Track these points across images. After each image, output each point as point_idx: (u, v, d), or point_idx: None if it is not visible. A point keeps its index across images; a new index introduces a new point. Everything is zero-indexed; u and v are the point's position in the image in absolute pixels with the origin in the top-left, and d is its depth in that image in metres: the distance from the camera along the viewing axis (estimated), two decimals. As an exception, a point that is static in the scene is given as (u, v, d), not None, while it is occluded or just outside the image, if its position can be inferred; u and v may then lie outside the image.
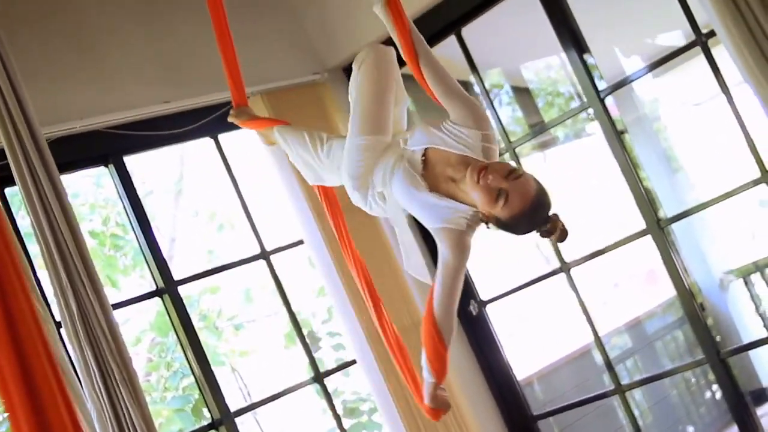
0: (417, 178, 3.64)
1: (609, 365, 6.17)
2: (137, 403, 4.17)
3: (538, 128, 8.59)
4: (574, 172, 9.87)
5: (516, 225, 3.44)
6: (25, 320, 2.74)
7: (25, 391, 2.69)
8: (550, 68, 9.11)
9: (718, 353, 5.66)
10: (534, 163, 9.76)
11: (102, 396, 4.14)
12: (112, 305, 4.72)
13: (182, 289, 5.76)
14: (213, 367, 5.71)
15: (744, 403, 5.79)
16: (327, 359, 8.54)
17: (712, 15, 4.80)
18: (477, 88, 6.27)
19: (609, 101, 5.91)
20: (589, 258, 6.13)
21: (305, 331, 8.61)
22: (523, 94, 8.56)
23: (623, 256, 7.30)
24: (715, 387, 8.46)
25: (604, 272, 8.89)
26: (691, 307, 5.70)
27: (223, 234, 9.71)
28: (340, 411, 8.34)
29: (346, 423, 8.48)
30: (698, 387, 8.29)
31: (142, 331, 9.06)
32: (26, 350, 2.72)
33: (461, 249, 3.60)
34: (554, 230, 3.44)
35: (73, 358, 4.24)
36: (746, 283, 8.63)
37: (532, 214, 3.40)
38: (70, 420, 2.80)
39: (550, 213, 3.45)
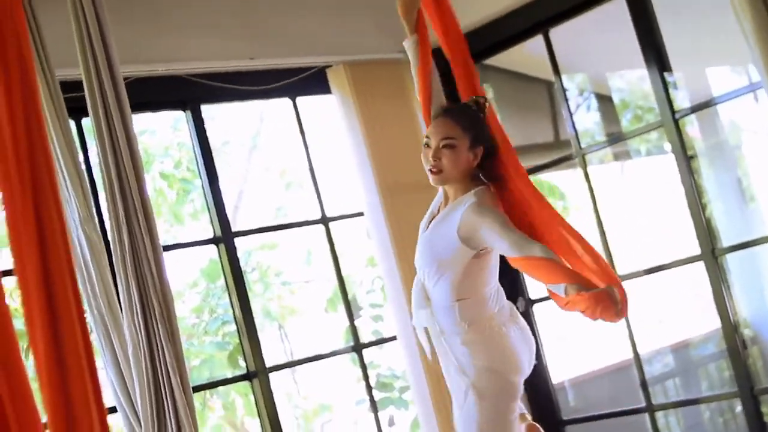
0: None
1: (644, 382, 6.20)
2: (172, 341, 4.31)
3: (612, 138, 8.60)
4: (647, 187, 9.84)
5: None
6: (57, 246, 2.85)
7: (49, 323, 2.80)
8: (643, 80, 9.09)
9: (752, 389, 5.67)
10: (610, 173, 9.75)
11: (140, 330, 4.28)
12: (169, 246, 4.87)
13: (241, 241, 5.88)
14: (260, 321, 5.85)
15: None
16: (364, 328, 8.65)
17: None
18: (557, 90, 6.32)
19: (690, 122, 5.90)
20: (642, 274, 6.15)
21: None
22: (605, 102, 8.55)
23: (679, 278, 7.32)
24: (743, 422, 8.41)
25: (660, 291, 8.85)
26: (732, 339, 5.70)
27: (291, 192, 9.84)
28: (373, 383, 8.47)
29: (377, 395, 8.59)
30: (733, 419, 8.25)
31: (199, 275, 9.26)
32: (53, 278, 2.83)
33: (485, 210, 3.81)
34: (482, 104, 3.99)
35: (119, 290, 4.39)
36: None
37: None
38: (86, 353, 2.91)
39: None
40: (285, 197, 9.94)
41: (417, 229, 5.70)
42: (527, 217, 3.93)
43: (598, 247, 6.12)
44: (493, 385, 3.89)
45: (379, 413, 6.34)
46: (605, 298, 3.43)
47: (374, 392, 8.41)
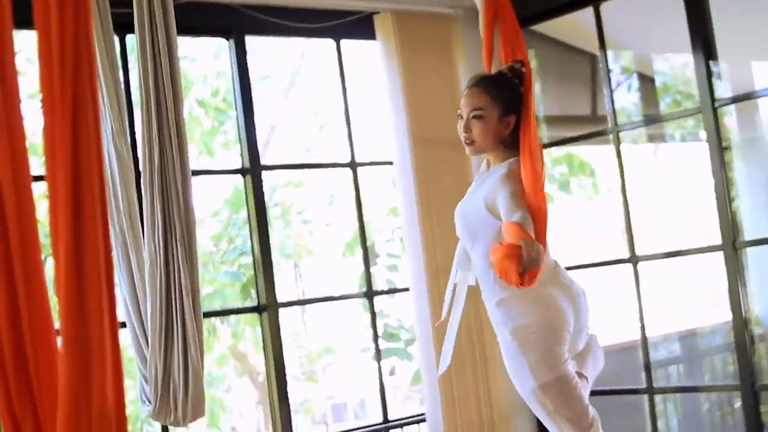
0: None
1: (648, 365, 6.23)
2: (190, 264, 4.36)
3: (649, 119, 8.59)
4: (678, 173, 9.83)
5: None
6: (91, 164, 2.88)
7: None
8: (686, 66, 9.05)
9: (753, 384, 5.70)
10: (643, 154, 9.74)
11: (159, 249, 4.34)
12: (197, 171, 4.91)
13: (268, 176, 5.92)
14: (276, 257, 5.90)
15: (762, 437, 5.82)
16: (379, 277, 8.69)
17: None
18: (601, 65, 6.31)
19: (729, 113, 5.88)
20: (660, 257, 6.18)
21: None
22: (646, 82, 8.51)
23: (698, 266, 7.32)
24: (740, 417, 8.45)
25: (677, 277, 8.86)
26: (741, 333, 5.73)
27: (323, 134, 9.88)
28: (380, 332, 8.53)
29: (383, 344, 8.66)
30: (731, 413, 8.28)
31: (223, 205, 9.33)
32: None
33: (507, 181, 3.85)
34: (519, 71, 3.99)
35: (143, 208, 4.43)
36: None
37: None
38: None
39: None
40: (316, 138, 9.97)
41: (442, 183, 5.75)
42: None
43: (621, 226, 6.20)
44: (533, 339, 3.95)
45: (382, 362, 6.40)
46: (515, 254, 3.45)
47: (380, 341, 8.50)
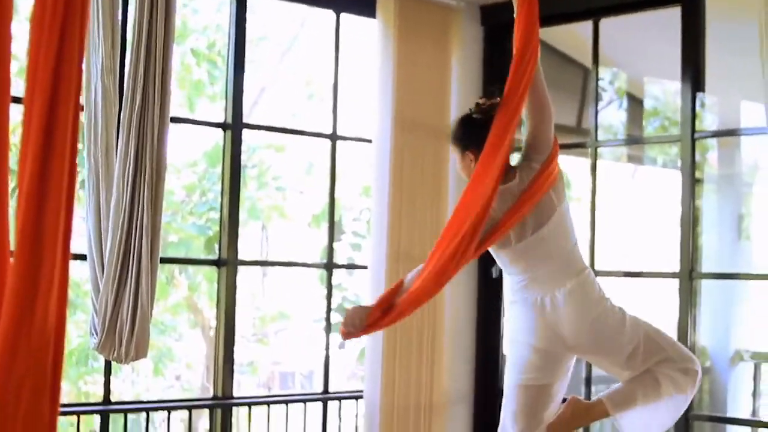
0: None
1: (588, 379, 6.33)
2: (154, 207, 4.41)
3: (628, 140, 8.71)
4: (653, 197, 9.90)
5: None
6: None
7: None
8: (678, 94, 9.12)
9: (687, 413, 5.78)
10: (622, 173, 9.80)
11: (127, 187, 4.38)
12: (179, 118, 4.95)
13: (250, 135, 5.95)
14: (245, 217, 5.92)
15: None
16: (341, 252, 8.74)
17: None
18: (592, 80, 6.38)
19: (712, 148, 5.96)
20: (617, 275, 6.28)
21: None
22: (635, 104, 8.58)
23: (657, 291, 7.41)
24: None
25: (636, 299, 8.91)
26: (684, 362, 5.80)
27: (311, 103, 9.91)
28: (335, 305, 8.60)
29: (336, 318, 8.71)
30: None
31: (201, 157, 9.34)
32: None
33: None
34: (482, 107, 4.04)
35: (119, 144, 4.47)
36: (756, 368, 8.65)
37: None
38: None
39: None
40: (304, 106, 10.00)
41: (418, 169, 5.81)
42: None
43: (585, 240, 6.28)
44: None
45: (332, 335, 6.46)
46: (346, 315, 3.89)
47: (334, 314, 8.55)
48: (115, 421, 6.61)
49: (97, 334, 4.43)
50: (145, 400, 8.86)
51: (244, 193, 8.95)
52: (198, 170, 9.22)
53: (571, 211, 4.14)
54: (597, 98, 6.41)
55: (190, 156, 9.41)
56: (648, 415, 4.11)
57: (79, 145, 3.43)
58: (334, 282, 6.68)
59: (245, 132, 5.99)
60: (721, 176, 8.72)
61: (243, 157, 8.55)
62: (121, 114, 4.51)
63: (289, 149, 9.52)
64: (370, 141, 6.33)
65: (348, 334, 3.90)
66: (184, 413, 6.27)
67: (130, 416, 7.16)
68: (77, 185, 3.26)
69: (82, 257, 4.59)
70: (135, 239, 4.38)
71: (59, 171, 2.94)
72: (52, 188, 2.92)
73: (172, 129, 4.69)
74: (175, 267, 8.92)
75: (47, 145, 2.93)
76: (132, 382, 10.35)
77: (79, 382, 9.39)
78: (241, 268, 5.86)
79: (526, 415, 4.07)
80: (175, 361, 10.10)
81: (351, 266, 6.92)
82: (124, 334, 4.37)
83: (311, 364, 10.85)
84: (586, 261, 6.17)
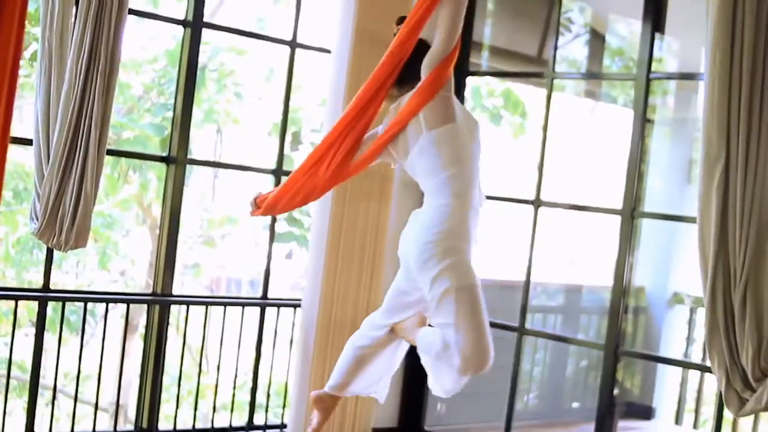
0: None
1: (524, 307, 6.43)
2: (105, 97, 4.40)
3: (586, 74, 8.77)
4: (608, 135, 9.98)
5: None
6: None
7: None
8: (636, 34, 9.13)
9: (617, 347, 5.91)
10: (581, 108, 9.86)
11: (80, 75, 4.36)
12: (139, 11, 4.93)
13: (211, 35, 5.87)
14: (200, 118, 5.90)
15: (611, 404, 6.04)
16: (297, 161, 8.73)
17: None
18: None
19: (671, 92, 5.98)
20: (562, 206, 6.36)
21: (292, 129, 8.83)
22: (598, 39, 8.60)
23: (601, 226, 7.51)
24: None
25: (582, 234, 9.02)
26: (618, 299, 5.90)
27: (276, 9, 9.81)
28: (284, 215, 8.62)
29: (285, 227, 8.75)
30: (594, 371, 8.55)
31: (162, 54, 9.24)
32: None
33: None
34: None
35: (74, 31, 4.44)
36: (692, 313, 8.82)
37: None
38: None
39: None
40: (269, 11, 9.90)
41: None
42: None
43: (533, 169, 6.35)
44: None
45: (281, 246, 6.51)
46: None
47: (282, 223, 8.59)
48: (56, 310, 6.66)
49: (38, 219, 4.44)
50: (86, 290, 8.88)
51: (203, 94, 8.92)
52: (157, 67, 9.14)
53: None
54: (558, 30, 6.43)
55: (151, 53, 9.32)
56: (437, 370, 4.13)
57: (34, 28, 3.42)
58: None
59: (209, 33, 5.94)
60: (676, 120, 8.81)
61: (204, 57, 8.53)
62: (79, 1, 4.47)
63: (252, 54, 9.44)
64: (329, 51, 6.33)
65: (251, 213, 4.20)
66: (125, 308, 6.29)
67: (70, 307, 7.18)
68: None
69: (29, 141, 4.59)
70: (83, 128, 4.37)
71: (3, 53, 2.94)
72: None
73: (134, 22, 4.68)
74: (129, 166, 8.86)
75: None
76: (76, 274, 10.37)
77: (23, 272, 9.41)
78: (192, 169, 5.87)
79: (384, 311, 4.27)
80: (121, 256, 10.12)
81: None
82: (65, 222, 4.39)
83: (257, 271, 10.91)
84: (532, 191, 6.30)
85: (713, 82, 3.16)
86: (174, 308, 6.18)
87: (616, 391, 6.68)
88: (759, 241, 2.96)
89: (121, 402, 5.98)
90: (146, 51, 9.26)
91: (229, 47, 9.17)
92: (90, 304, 7.52)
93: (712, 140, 2.97)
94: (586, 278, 9.23)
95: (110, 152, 4.99)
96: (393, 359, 4.44)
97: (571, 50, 8.82)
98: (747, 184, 2.96)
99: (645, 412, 8.63)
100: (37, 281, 9.06)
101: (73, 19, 4.50)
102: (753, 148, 2.94)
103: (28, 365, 5.72)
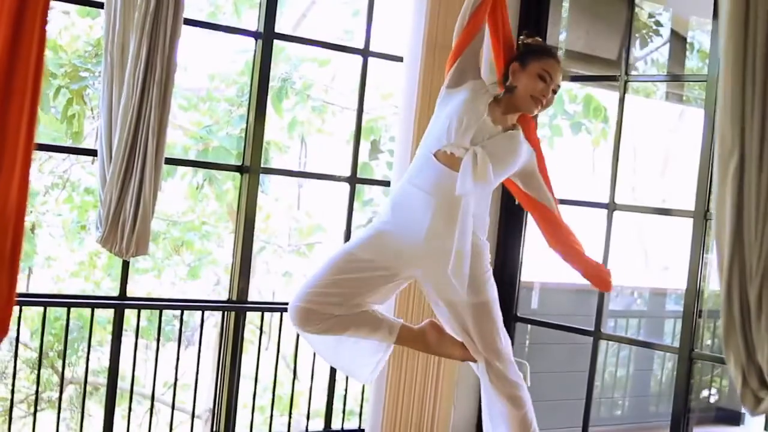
0: None
1: (600, 310, 6.39)
2: (161, 106, 4.51)
3: (663, 76, 8.68)
4: (693, 137, 9.85)
5: None
6: None
7: None
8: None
9: (691, 350, 5.83)
10: (667, 112, 9.76)
11: (137, 86, 4.48)
12: (199, 22, 5.03)
13: (293, 49, 5.88)
14: (281, 131, 5.92)
15: (687, 409, 5.95)
16: (378, 171, 8.79)
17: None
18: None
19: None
20: (636, 210, 6.32)
21: (371, 138, 8.88)
22: (679, 41, 8.49)
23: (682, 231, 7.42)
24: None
25: (664, 237, 8.92)
26: (692, 302, 5.81)
27: (356, 20, 9.87)
28: (365, 220, 8.70)
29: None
30: (671, 374, 8.42)
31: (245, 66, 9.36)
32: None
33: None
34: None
35: (132, 43, 4.56)
36: None
37: None
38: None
39: None
40: (352, 23, 9.95)
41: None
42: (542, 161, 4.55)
43: (607, 174, 6.32)
44: None
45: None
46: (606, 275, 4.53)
47: (361, 229, 8.65)
48: (150, 320, 6.84)
49: (101, 227, 4.57)
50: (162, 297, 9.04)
51: (285, 105, 9.03)
52: (242, 80, 9.28)
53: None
54: (630, 31, 6.40)
55: (240, 65, 9.45)
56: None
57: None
58: (365, 198, 6.77)
59: (292, 46, 6.01)
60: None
61: (287, 69, 8.65)
62: (136, 14, 4.59)
63: (337, 65, 9.52)
64: (401, 60, 6.38)
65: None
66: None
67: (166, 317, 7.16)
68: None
69: (93, 153, 4.74)
70: (141, 137, 4.50)
71: (25, 66, 3.04)
72: (17, 83, 3.02)
73: (208, 35, 4.75)
74: (206, 178, 8.97)
75: (14, 41, 3.03)
76: (172, 283, 10.57)
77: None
78: (275, 180, 5.97)
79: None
80: (217, 264, 10.32)
81: (373, 181, 7.01)
82: (126, 230, 4.51)
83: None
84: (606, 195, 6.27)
85: (726, 78, 3.13)
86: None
87: (705, 394, 6.57)
88: (775, 235, 2.92)
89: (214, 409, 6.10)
90: (236, 64, 9.42)
91: (312, 58, 9.27)
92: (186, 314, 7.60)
93: (726, 137, 2.94)
94: (671, 282, 9.12)
95: (184, 162, 5.10)
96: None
97: (655, 53, 8.75)
98: (762, 179, 2.92)
99: (734, 418, 8.49)
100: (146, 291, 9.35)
101: (132, 33, 4.62)
102: (767, 143, 2.90)
103: (127, 374, 5.88)
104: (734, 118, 2.88)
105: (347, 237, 6.50)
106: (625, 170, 6.37)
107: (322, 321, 4.19)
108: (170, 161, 7.19)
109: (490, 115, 4.29)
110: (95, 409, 9.57)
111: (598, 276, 4.56)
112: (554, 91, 4.33)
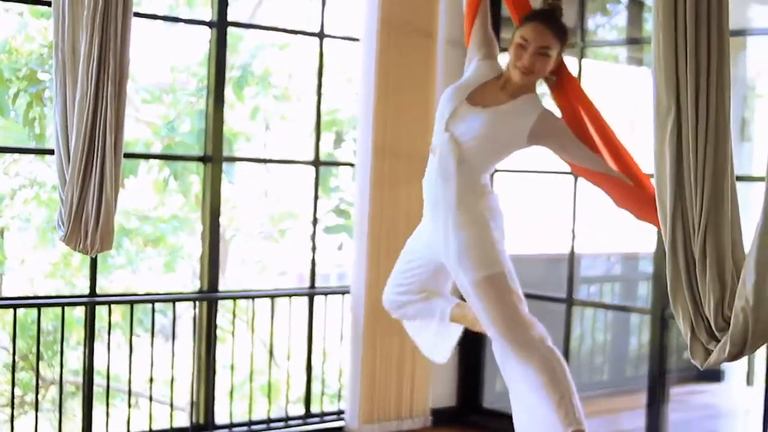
0: None
1: (571, 278, 6.44)
2: (117, 102, 4.48)
3: (615, 41, 8.76)
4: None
5: None
6: None
7: None
8: None
9: (663, 311, 5.88)
10: (632, 76, 9.78)
11: (91, 83, 4.46)
12: (166, 17, 5.01)
13: (251, 36, 5.87)
14: (245, 118, 5.93)
15: (663, 372, 5.99)
16: (343, 158, 8.77)
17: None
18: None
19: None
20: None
21: (334, 129, 8.88)
22: (635, 5, 8.50)
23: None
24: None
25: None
26: (661, 262, 5.84)
27: (312, 4, 9.81)
28: (331, 206, 8.71)
29: (334, 220, 8.82)
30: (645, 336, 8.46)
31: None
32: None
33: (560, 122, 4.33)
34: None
35: (83, 40, 4.53)
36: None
37: None
38: None
39: None
40: (307, 7, 9.90)
41: (404, 69, 5.89)
42: (580, 122, 4.30)
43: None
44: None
45: (333, 237, 6.61)
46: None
47: (332, 216, 8.70)
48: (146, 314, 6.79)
49: (64, 225, 4.55)
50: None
51: (246, 93, 9.00)
52: (201, 72, 9.23)
53: None
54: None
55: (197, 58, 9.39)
56: None
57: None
58: (332, 185, 6.80)
59: (249, 33, 6.01)
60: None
61: (247, 57, 8.62)
62: (85, 12, 4.56)
63: (294, 47, 9.45)
64: (357, 40, 6.39)
65: None
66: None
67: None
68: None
69: (51, 152, 4.72)
70: (99, 134, 4.47)
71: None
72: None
73: (166, 28, 4.74)
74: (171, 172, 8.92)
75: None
76: (149, 278, 10.53)
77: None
78: (241, 167, 5.98)
79: None
80: (190, 257, 10.29)
81: (337, 163, 7.04)
82: (90, 227, 4.50)
83: (324, 264, 10.96)
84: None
85: (658, 36, 3.13)
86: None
87: (686, 354, 6.59)
88: (715, 189, 2.94)
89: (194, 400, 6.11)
90: (196, 55, 9.36)
91: (271, 44, 9.21)
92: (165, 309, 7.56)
93: (661, 96, 2.96)
94: (642, 245, 9.13)
95: (134, 155, 5.08)
96: None
97: (615, 18, 8.76)
98: (699, 133, 2.95)
99: (714, 375, 8.55)
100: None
101: (81, 31, 4.58)
102: (702, 98, 2.92)
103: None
104: (669, 76, 2.91)
105: (313, 221, 6.52)
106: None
107: (398, 308, 4.69)
108: (131, 155, 7.21)
109: (481, 95, 4.37)
110: (79, 409, 9.55)
111: None
112: (542, 54, 4.20)
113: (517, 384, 4.27)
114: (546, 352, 4.21)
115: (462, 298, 4.45)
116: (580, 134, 4.27)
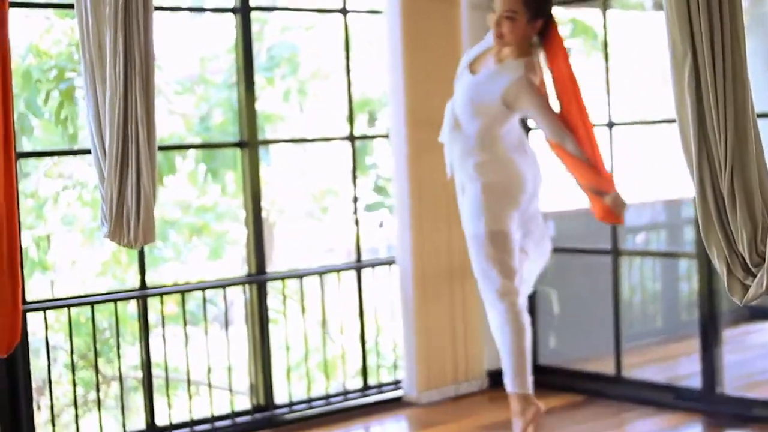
0: None
1: (615, 226, 6.42)
2: (145, 95, 4.52)
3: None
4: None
5: None
6: None
7: None
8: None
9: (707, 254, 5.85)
10: (653, 18, 9.71)
11: (119, 79, 4.51)
12: (190, 8, 5.04)
13: (276, 20, 5.89)
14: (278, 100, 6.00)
15: (714, 315, 5.98)
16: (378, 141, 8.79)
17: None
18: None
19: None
20: (635, 124, 6.34)
21: (367, 110, 8.90)
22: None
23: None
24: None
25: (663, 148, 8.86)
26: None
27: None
28: (371, 185, 8.74)
29: (374, 197, 8.83)
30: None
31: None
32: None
33: (530, 88, 4.70)
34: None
35: (108, 38, 4.59)
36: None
37: None
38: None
39: None
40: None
41: (430, 37, 5.97)
42: (564, 96, 4.74)
43: (599, 91, 6.32)
44: (496, 192, 4.78)
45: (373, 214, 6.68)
46: (619, 209, 4.84)
47: (372, 194, 8.72)
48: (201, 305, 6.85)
49: (107, 222, 4.61)
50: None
51: (276, 75, 9.02)
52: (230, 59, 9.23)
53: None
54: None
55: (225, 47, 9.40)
56: None
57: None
58: (368, 163, 6.88)
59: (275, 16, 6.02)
60: (753, 16, 8.60)
61: (273, 40, 8.64)
62: (107, 9, 4.60)
63: (319, 27, 9.46)
64: (380, 12, 6.41)
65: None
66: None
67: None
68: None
69: (87, 151, 4.78)
70: (132, 128, 4.53)
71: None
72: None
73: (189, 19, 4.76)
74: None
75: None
76: (197, 267, 10.61)
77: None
78: (277, 149, 6.04)
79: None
80: (237, 243, 10.35)
81: (372, 136, 7.10)
82: (131, 221, 4.55)
83: (372, 239, 10.99)
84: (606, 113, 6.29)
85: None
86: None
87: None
88: (737, 129, 2.95)
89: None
90: (224, 44, 9.38)
91: (297, 26, 9.22)
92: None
93: (676, 41, 2.96)
94: (680, 191, 9.08)
95: (167, 147, 5.13)
96: None
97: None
98: (717, 76, 2.96)
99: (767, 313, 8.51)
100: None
101: (106, 29, 4.63)
102: (717, 41, 2.92)
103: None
104: (682, 21, 2.91)
105: (354, 197, 6.56)
106: (628, 86, 6.38)
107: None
108: (166, 147, 7.26)
109: (478, 62, 4.84)
110: (142, 402, 9.67)
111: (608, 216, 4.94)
112: (508, 18, 4.59)
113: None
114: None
115: None
116: (564, 100, 4.70)
